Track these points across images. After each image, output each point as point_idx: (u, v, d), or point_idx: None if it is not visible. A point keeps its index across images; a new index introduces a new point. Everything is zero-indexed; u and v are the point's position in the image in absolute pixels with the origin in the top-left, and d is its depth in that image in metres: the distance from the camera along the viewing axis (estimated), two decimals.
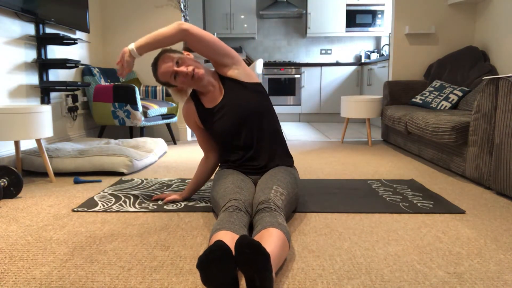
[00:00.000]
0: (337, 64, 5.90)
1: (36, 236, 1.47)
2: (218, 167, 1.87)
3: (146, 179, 2.33)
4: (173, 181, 2.28)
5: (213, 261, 0.94)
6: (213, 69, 1.81)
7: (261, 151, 1.73)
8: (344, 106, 3.74)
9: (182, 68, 1.66)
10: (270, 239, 1.15)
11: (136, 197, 1.96)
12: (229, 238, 1.17)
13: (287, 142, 3.89)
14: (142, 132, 3.47)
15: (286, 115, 6.11)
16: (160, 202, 1.86)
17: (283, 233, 1.20)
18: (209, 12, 6.16)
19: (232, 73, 1.75)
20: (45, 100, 2.86)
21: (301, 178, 2.37)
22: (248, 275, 0.97)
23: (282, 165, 1.75)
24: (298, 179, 1.74)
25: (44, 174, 2.51)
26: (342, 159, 2.97)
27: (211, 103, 1.75)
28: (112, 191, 2.07)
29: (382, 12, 6.03)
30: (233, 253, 0.98)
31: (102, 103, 3.33)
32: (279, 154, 1.77)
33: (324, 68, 5.92)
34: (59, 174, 2.49)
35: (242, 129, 1.71)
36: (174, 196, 1.87)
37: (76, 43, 2.94)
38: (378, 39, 6.47)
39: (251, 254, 0.95)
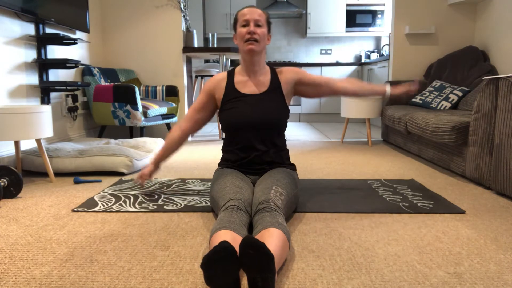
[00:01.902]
0: (337, 64, 5.91)
1: (36, 236, 1.47)
2: (217, 166, 1.87)
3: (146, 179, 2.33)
4: (173, 181, 2.28)
5: (217, 262, 0.94)
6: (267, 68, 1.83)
7: (262, 159, 1.73)
8: (344, 106, 3.74)
9: (253, 28, 1.66)
10: (270, 239, 1.15)
11: (136, 197, 1.96)
12: (230, 238, 1.17)
13: (287, 142, 3.89)
14: (142, 132, 3.47)
15: None
16: (138, 183, 1.96)
17: (283, 233, 1.20)
18: (209, 12, 6.16)
19: (289, 90, 1.79)
20: (45, 100, 2.86)
21: (301, 178, 2.37)
22: (251, 275, 0.97)
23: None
24: (298, 180, 1.74)
25: (44, 174, 2.51)
26: (342, 159, 2.97)
27: (244, 88, 1.75)
28: (112, 191, 2.07)
29: (382, 12, 6.03)
30: (237, 253, 0.98)
31: (102, 103, 3.33)
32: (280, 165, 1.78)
33: (324, 68, 5.92)
34: (59, 174, 2.49)
35: (252, 131, 1.70)
36: (148, 168, 1.94)
37: (76, 43, 2.94)
38: (378, 39, 6.47)
39: (255, 255, 0.95)
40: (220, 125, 1.82)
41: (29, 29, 2.75)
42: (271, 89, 1.75)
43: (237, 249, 1.11)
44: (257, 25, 1.68)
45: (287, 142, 3.85)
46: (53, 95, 3.05)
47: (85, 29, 3.28)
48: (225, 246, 0.96)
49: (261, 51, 1.71)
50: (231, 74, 1.80)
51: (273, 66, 5.90)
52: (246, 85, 1.75)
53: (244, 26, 1.68)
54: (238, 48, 3.96)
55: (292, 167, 1.81)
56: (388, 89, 1.86)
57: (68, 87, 2.99)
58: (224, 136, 1.82)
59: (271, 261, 0.96)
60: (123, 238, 1.44)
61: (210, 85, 1.81)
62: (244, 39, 1.67)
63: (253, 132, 1.70)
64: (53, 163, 2.42)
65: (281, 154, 1.77)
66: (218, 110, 1.84)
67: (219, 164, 1.85)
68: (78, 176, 2.44)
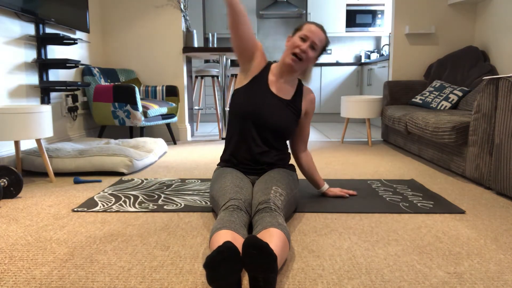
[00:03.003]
0: (337, 64, 5.91)
1: (36, 236, 1.47)
2: (217, 165, 1.86)
3: (146, 179, 2.33)
4: (173, 181, 2.28)
5: (221, 262, 0.94)
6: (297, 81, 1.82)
7: (262, 159, 1.73)
8: (344, 106, 3.74)
9: (307, 47, 1.66)
10: (271, 239, 1.16)
11: (136, 197, 1.96)
12: (230, 238, 1.17)
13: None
14: (142, 132, 3.47)
15: None
16: None
17: (283, 234, 1.20)
18: (209, 12, 6.16)
19: (303, 112, 1.82)
20: (45, 100, 2.86)
21: (301, 178, 2.37)
22: (253, 275, 0.97)
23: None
24: (297, 180, 1.74)
25: (44, 174, 2.51)
26: (342, 159, 2.97)
27: (274, 85, 1.75)
28: (112, 191, 2.07)
29: (382, 12, 6.03)
30: (240, 253, 0.98)
31: (102, 103, 3.33)
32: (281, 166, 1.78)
33: (324, 68, 5.92)
34: (59, 174, 2.49)
35: (257, 127, 1.70)
36: None
37: (76, 43, 2.94)
38: (378, 39, 6.47)
39: (258, 255, 0.95)
40: (229, 109, 1.79)
41: (29, 29, 2.75)
42: (292, 100, 1.77)
43: (239, 249, 1.11)
44: (312, 47, 1.69)
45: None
46: (53, 95, 3.05)
47: (85, 29, 3.28)
48: (228, 246, 0.96)
49: (299, 69, 1.73)
50: (268, 66, 1.80)
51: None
52: (273, 84, 1.76)
53: (301, 39, 1.68)
54: None
55: (292, 167, 1.81)
56: (325, 186, 1.94)
57: (68, 87, 2.99)
58: (224, 136, 1.81)
59: (274, 261, 0.96)
60: (123, 238, 1.44)
61: (261, 50, 1.77)
62: (292, 50, 1.67)
63: (258, 128, 1.70)
64: (53, 163, 2.42)
65: (282, 157, 1.77)
66: (236, 88, 1.79)
67: (218, 164, 1.85)
68: (78, 176, 2.44)
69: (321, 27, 1.72)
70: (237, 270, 0.96)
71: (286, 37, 1.76)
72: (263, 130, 1.71)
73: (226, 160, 1.79)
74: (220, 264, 0.94)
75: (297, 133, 1.87)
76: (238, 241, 1.18)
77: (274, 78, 1.76)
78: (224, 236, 1.17)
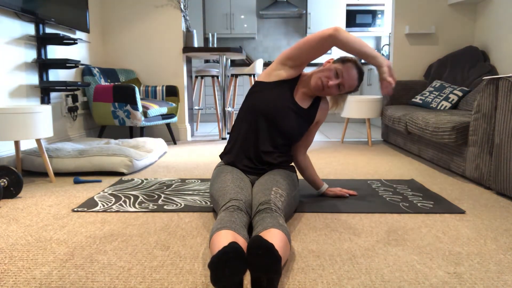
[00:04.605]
0: None
1: (36, 236, 1.47)
2: (220, 160, 1.86)
3: (146, 179, 2.33)
4: (173, 181, 2.28)
5: (226, 262, 0.95)
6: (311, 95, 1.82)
7: (264, 159, 1.73)
8: (344, 106, 3.74)
9: (335, 85, 1.68)
10: (272, 239, 1.15)
11: (136, 197, 1.96)
12: (231, 238, 1.17)
13: None
14: (142, 132, 3.47)
15: None
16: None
17: (284, 234, 1.20)
18: (209, 12, 6.16)
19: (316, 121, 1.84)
20: (45, 100, 2.86)
21: (301, 178, 2.37)
22: (257, 275, 0.97)
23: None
24: (297, 181, 1.74)
25: (44, 174, 2.51)
26: (342, 159, 2.97)
27: (297, 92, 1.77)
28: (112, 191, 2.07)
29: (382, 12, 6.03)
30: (245, 254, 0.98)
31: (102, 103, 3.33)
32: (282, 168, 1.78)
33: None
34: (59, 174, 2.49)
35: (267, 127, 1.71)
36: None
37: (76, 43, 2.94)
38: (378, 39, 6.47)
39: (264, 255, 0.96)
40: (246, 98, 1.78)
41: (29, 29, 2.75)
42: (308, 109, 1.78)
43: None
44: (339, 87, 1.70)
45: None
46: (53, 95, 3.05)
47: (85, 29, 3.28)
48: (234, 247, 0.96)
49: (317, 94, 1.75)
50: (296, 78, 1.80)
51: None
52: (297, 91, 1.78)
53: (337, 73, 1.68)
54: (237, 48, 3.95)
55: (292, 168, 1.81)
56: (325, 186, 1.95)
57: (68, 87, 2.99)
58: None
59: (278, 262, 0.97)
60: (123, 238, 1.44)
61: (300, 73, 1.80)
62: (323, 79, 1.68)
63: (271, 128, 1.71)
64: (53, 163, 2.42)
65: (285, 159, 1.77)
66: (260, 80, 1.78)
67: (220, 156, 1.85)
68: (78, 176, 2.44)
69: (361, 76, 1.72)
70: (241, 271, 0.96)
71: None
72: (275, 131, 1.72)
73: (229, 151, 1.79)
74: (225, 265, 0.94)
75: (303, 138, 1.87)
76: (239, 241, 1.18)
77: (299, 86, 1.79)
78: (225, 236, 1.17)
